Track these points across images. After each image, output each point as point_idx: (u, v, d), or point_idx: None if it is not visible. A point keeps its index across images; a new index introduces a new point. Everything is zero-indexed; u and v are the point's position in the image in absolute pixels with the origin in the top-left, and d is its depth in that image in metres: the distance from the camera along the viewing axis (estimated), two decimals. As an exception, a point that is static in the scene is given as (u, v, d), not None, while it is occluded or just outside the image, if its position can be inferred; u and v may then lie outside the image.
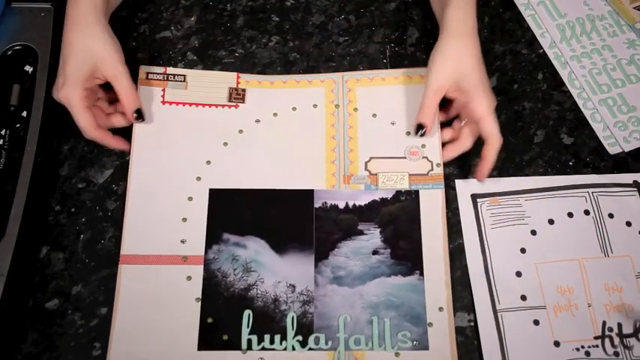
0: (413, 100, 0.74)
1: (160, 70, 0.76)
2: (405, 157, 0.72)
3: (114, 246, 0.69)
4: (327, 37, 0.81)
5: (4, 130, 0.69)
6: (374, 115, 0.75)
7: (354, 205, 0.71)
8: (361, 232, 0.70)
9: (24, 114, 0.70)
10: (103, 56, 0.67)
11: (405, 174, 0.72)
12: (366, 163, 0.72)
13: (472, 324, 0.66)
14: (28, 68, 0.72)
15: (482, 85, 0.69)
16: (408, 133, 0.74)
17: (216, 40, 0.80)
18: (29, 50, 0.73)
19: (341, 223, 0.70)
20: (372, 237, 0.70)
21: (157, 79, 0.76)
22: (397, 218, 0.70)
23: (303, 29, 0.81)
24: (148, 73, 0.76)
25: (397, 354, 0.64)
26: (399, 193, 0.71)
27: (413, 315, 0.66)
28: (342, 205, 0.71)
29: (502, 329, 0.66)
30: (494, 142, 0.69)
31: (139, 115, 0.71)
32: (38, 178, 0.68)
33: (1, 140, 0.69)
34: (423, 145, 0.73)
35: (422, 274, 0.68)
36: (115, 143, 0.71)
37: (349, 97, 0.76)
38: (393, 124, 0.74)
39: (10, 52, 0.73)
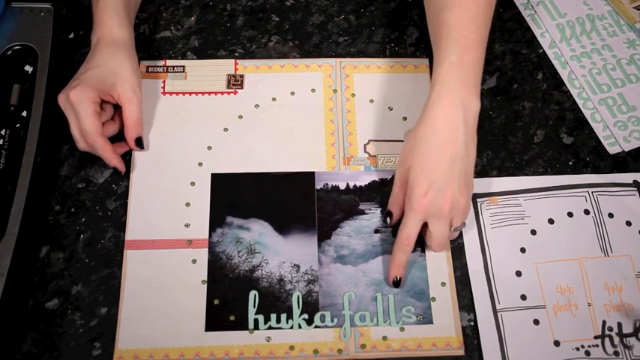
0: (408, 88, 0.77)
1: (159, 63, 0.77)
2: (402, 141, 0.74)
3: (114, 246, 0.69)
4: (327, 37, 0.81)
5: (4, 130, 0.69)
6: (371, 101, 0.77)
7: (355, 186, 0.72)
8: (362, 212, 0.71)
9: (24, 114, 0.70)
10: (125, 78, 0.68)
11: None
12: (365, 145, 0.74)
13: (472, 324, 0.66)
14: (28, 68, 0.72)
15: (417, 179, 0.63)
16: (405, 118, 0.75)
17: (216, 40, 0.80)
18: (29, 50, 0.73)
19: (342, 204, 0.71)
20: (373, 216, 0.71)
21: (157, 72, 0.77)
22: None
23: (303, 29, 0.81)
24: (148, 67, 0.77)
25: (402, 329, 0.66)
26: None
27: (416, 291, 0.67)
28: (342, 186, 0.72)
29: (502, 329, 0.66)
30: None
31: (139, 144, 0.71)
32: (38, 178, 0.68)
33: (1, 140, 0.69)
34: None
35: (423, 250, 0.69)
36: (112, 158, 0.68)
37: (346, 82, 0.77)
38: (390, 109, 0.76)
39: (10, 52, 0.73)
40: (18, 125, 0.70)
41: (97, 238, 0.69)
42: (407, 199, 0.64)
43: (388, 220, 0.68)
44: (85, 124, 0.66)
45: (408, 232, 0.64)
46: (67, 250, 0.68)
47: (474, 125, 0.64)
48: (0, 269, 0.63)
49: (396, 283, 0.66)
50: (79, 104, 0.66)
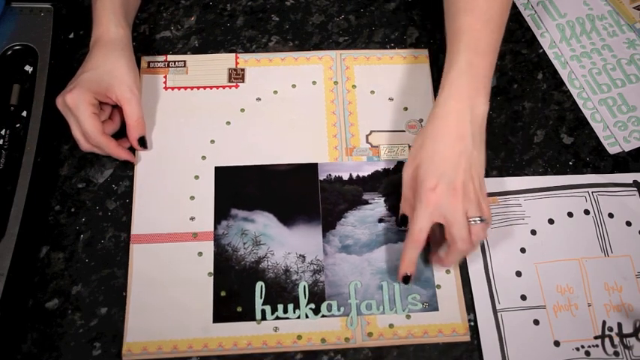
0: (408, 78, 0.78)
1: (160, 58, 0.78)
2: (404, 131, 0.75)
3: (114, 246, 0.69)
4: (327, 37, 0.81)
5: (4, 130, 0.69)
6: (372, 92, 0.77)
7: (358, 176, 0.73)
8: (366, 202, 0.72)
9: (24, 114, 0.70)
10: (122, 78, 0.68)
11: (405, 145, 0.74)
12: (367, 136, 0.75)
13: (472, 324, 0.66)
14: (28, 68, 0.72)
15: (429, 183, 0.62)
16: (406, 109, 0.76)
17: (216, 40, 0.80)
18: (29, 50, 0.73)
19: (346, 194, 0.72)
20: (377, 206, 0.72)
21: (159, 67, 0.77)
22: (400, 187, 0.70)
23: (303, 29, 0.81)
24: (149, 62, 0.78)
25: (408, 316, 0.66)
26: (400, 163, 0.73)
27: (421, 278, 0.68)
28: (346, 177, 0.73)
29: (502, 329, 0.66)
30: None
31: (143, 143, 0.71)
32: (38, 178, 0.68)
33: (1, 140, 0.69)
34: (421, 120, 0.75)
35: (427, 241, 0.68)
36: (120, 152, 0.70)
37: (347, 74, 0.78)
38: (390, 99, 0.77)
39: (10, 52, 0.73)
40: (18, 125, 0.70)
41: (97, 238, 0.69)
42: (416, 194, 0.63)
43: (404, 225, 0.66)
44: (86, 126, 0.67)
45: (420, 226, 0.62)
46: (67, 250, 0.68)
47: (481, 125, 0.64)
48: (0, 269, 0.63)
49: (406, 280, 0.66)
50: (76, 107, 0.66)
